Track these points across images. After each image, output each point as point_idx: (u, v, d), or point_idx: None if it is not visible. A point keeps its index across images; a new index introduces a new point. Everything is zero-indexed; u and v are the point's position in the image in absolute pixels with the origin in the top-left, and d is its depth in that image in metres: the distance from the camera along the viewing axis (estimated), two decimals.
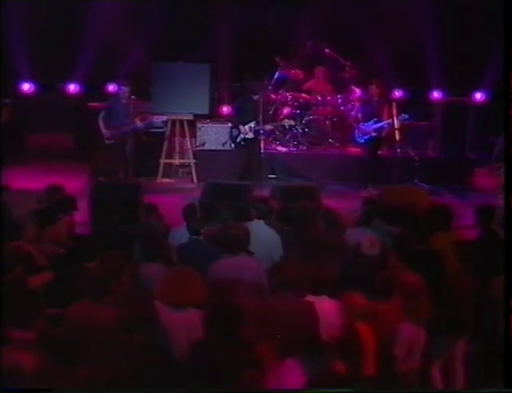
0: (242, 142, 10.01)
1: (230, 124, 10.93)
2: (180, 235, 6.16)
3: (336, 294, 4.81)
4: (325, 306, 4.68)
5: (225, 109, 11.95)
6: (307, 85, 11.73)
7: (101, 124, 10.00)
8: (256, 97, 10.04)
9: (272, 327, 4.29)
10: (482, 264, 5.37)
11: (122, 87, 10.20)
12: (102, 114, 10.08)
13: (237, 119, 10.26)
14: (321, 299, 4.75)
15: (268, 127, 10.37)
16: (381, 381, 4.32)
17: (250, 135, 10.00)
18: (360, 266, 5.21)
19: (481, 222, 6.51)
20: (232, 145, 10.68)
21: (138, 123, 10.07)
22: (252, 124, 9.94)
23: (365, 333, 4.42)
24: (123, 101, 10.07)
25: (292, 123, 10.94)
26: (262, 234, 6.12)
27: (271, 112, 11.10)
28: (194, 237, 6.00)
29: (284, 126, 10.99)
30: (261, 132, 10.11)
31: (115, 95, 10.35)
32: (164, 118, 10.77)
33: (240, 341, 4.10)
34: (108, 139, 9.97)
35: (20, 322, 4.27)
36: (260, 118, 9.95)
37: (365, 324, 4.48)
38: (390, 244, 5.78)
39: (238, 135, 10.06)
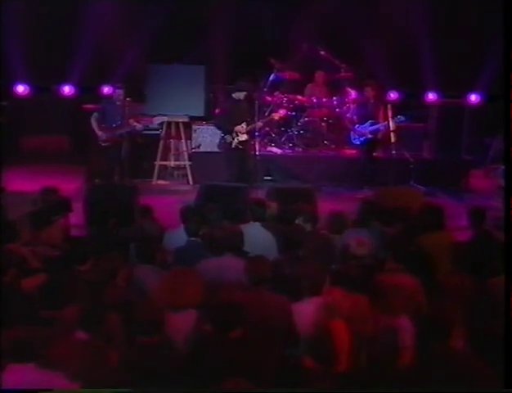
0: (240, 146, 9.86)
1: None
2: (176, 237, 6.15)
3: (318, 293, 4.79)
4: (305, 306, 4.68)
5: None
6: (308, 91, 11.69)
7: (94, 124, 9.98)
8: (241, 96, 9.83)
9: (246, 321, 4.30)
10: (474, 265, 5.37)
11: (116, 89, 10.16)
12: (95, 114, 10.06)
13: (225, 122, 10.06)
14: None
15: (259, 124, 10.26)
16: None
17: (245, 137, 9.86)
18: (347, 266, 5.21)
19: (474, 223, 6.52)
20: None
21: (137, 125, 10.04)
22: (244, 125, 9.83)
23: (340, 330, 4.39)
24: (118, 103, 10.05)
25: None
26: (258, 236, 6.12)
27: (266, 114, 11.08)
28: (192, 238, 6.00)
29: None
30: (256, 132, 10.05)
31: (109, 97, 10.30)
32: (165, 118, 10.73)
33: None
34: (104, 142, 9.95)
35: (14, 324, 4.25)
36: (256, 118, 9.87)
37: (341, 321, 4.45)
38: (385, 245, 5.78)
39: (232, 140, 9.85)
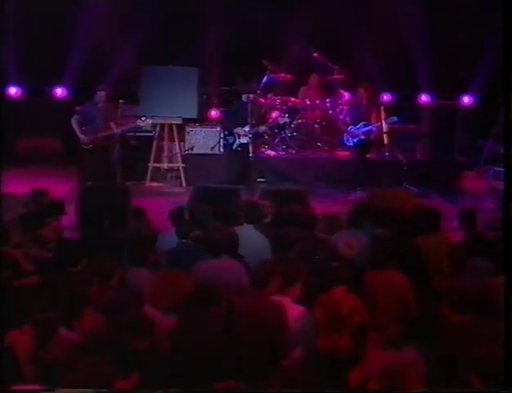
0: (239, 148, 9.81)
1: (219, 130, 10.85)
2: (169, 239, 6.13)
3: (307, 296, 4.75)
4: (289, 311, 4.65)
5: (213, 113, 11.93)
6: (302, 93, 11.71)
7: (75, 127, 9.89)
8: (250, 98, 9.79)
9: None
10: (467, 266, 5.37)
11: (97, 91, 10.00)
12: (76, 117, 9.97)
13: (229, 123, 10.03)
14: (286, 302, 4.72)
15: (263, 128, 10.28)
16: None
17: (247, 139, 9.79)
18: (336, 267, 5.19)
19: (464, 224, 6.53)
20: (222, 149, 10.63)
21: (118, 128, 9.94)
22: (246, 128, 9.78)
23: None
24: (99, 105, 9.95)
25: (287, 120, 10.87)
26: (252, 239, 6.10)
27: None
28: (183, 240, 5.99)
29: (279, 124, 10.93)
30: (260, 132, 10.06)
31: (91, 99, 10.19)
32: (150, 121, 10.65)
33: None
34: (86, 145, 9.86)
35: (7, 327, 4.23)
36: (254, 121, 9.85)
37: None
38: (378, 246, 5.77)
39: (234, 141, 9.79)
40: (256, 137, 10.04)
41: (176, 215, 6.33)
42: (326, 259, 5.69)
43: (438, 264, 5.59)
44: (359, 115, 10.61)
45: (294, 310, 4.58)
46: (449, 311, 4.47)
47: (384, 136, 10.47)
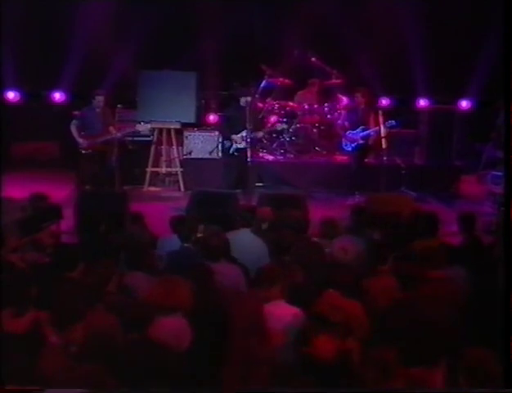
0: (235, 153, 9.77)
1: (218, 134, 10.85)
2: (169, 244, 6.13)
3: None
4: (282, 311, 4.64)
5: (212, 117, 11.93)
6: (299, 97, 11.71)
7: (74, 132, 9.90)
8: (244, 102, 9.74)
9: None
10: (464, 270, 5.37)
11: (95, 96, 10.00)
12: (75, 122, 9.98)
13: (226, 128, 9.99)
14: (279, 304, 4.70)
15: (260, 134, 10.28)
16: None
17: (243, 144, 9.73)
18: (332, 272, 5.19)
19: (464, 229, 6.54)
20: (220, 154, 10.62)
21: (117, 133, 9.93)
22: (244, 133, 9.73)
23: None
24: (97, 110, 9.95)
25: (285, 126, 10.86)
26: (249, 243, 6.10)
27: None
28: (185, 244, 5.99)
29: (276, 130, 10.93)
30: (258, 137, 10.07)
31: (89, 104, 10.18)
32: (148, 126, 10.65)
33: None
34: (85, 149, 9.87)
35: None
36: (251, 126, 9.80)
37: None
38: (376, 251, 5.77)
39: (231, 146, 9.74)
40: (254, 142, 10.02)
41: (175, 223, 6.34)
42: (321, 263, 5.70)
43: (435, 267, 5.59)
44: (357, 119, 10.61)
45: (289, 311, 4.58)
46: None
47: (382, 140, 10.46)
